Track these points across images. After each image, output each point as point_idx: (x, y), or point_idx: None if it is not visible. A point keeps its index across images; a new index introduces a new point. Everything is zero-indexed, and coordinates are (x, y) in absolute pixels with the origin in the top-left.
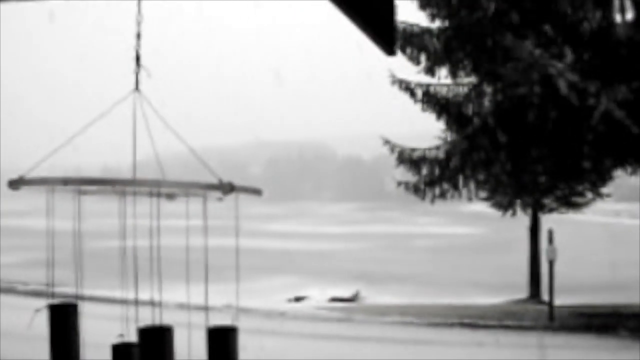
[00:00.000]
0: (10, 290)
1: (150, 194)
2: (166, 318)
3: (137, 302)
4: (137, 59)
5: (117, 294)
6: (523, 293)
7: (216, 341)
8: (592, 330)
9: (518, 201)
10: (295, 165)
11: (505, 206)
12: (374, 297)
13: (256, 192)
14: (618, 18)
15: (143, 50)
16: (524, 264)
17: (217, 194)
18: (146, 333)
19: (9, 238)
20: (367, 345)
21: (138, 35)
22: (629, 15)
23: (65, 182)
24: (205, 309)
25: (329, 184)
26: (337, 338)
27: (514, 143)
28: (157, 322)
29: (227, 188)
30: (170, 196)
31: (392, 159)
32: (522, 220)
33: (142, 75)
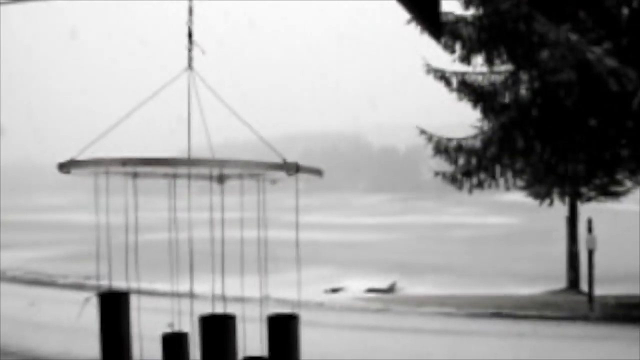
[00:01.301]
0: (50, 284)
1: (210, 177)
2: (206, 310)
3: (192, 295)
4: (190, 35)
5: (161, 286)
6: (561, 283)
7: (277, 329)
8: (633, 320)
9: (556, 190)
10: (331, 157)
11: (542, 195)
12: (410, 287)
13: (318, 172)
14: None
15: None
16: (561, 254)
17: (277, 175)
18: (208, 321)
19: (47, 232)
20: (405, 336)
21: (190, 11)
22: None
23: (125, 162)
24: (265, 299)
25: (364, 175)
26: (375, 329)
27: (552, 131)
28: (212, 311)
29: (293, 168)
30: (221, 179)
31: (427, 149)
32: (558, 209)
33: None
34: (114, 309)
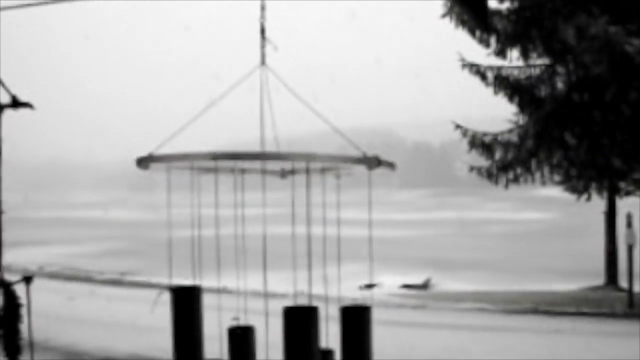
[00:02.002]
0: (88, 279)
1: (281, 174)
2: (253, 306)
3: (266, 294)
4: (262, 31)
5: (223, 282)
6: (599, 279)
7: (351, 320)
8: None
9: (593, 184)
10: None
11: (580, 190)
12: (445, 283)
13: (391, 166)
14: None
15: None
16: (599, 250)
17: (353, 168)
18: (292, 312)
19: (83, 229)
20: (441, 332)
21: (262, 7)
22: None
23: (215, 156)
24: (338, 290)
25: (398, 171)
26: (412, 325)
27: (589, 124)
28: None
29: (374, 162)
30: (284, 174)
31: (462, 144)
32: (596, 204)
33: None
34: (187, 303)
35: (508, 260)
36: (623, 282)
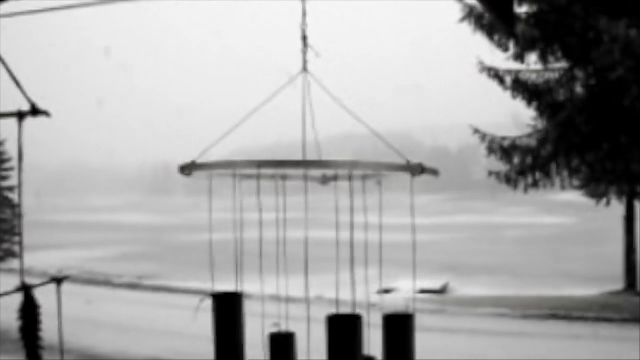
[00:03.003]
0: (106, 283)
1: (349, 177)
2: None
3: (307, 300)
4: (304, 38)
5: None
6: (619, 284)
7: (394, 328)
8: None
9: (612, 189)
10: (381, 157)
11: (599, 195)
12: (463, 288)
13: (435, 172)
14: None
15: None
16: (619, 255)
17: (402, 174)
18: (336, 320)
19: (102, 233)
20: (460, 337)
21: (304, 13)
22: None
23: (260, 164)
24: (367, 298)
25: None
26: (430, 330)
27: (609, 129)
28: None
29: (418, 169)
30: (325, 180)
31: (480, 148)
32: (615, 209)
33: (311, 55)
34: (229, 310)
35: (526, 265)
36: None
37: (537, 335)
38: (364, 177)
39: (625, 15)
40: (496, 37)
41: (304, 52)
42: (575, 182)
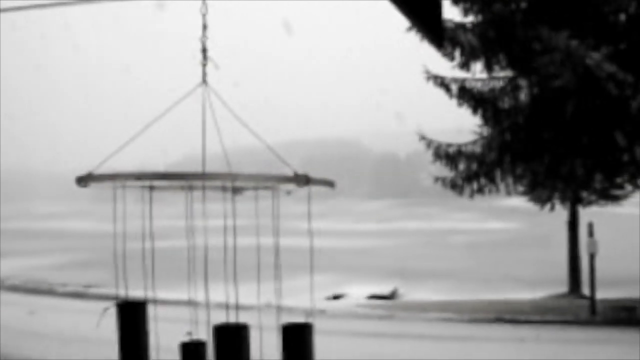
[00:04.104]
0: (50, 292)
1: (223, 189)
2: (213, 318)
3: (208, 304)
4: (204, 51)
5: (175, 294)
6: (563, 288)
7: (291, 338)
8: (635, 324)
9: (556, 195)
10: (330, 163)
11: (543, 200)
12: (412, 293)
13: (330, 184)
14: None
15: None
16: (563, 259)
17: (289, 187)
18: (222, 331)
19: (47, 240)
20: (407, 342)
21: (204, 27)
22: None
23: (139, 177)
24: (277, 307)
25: (365, 181)
26: (378, 335)
27: (552, 136)
28: (226, 320)
29: (303, 180)
30: (238, 190)
31: (428, 155)
32: (560, 214)
33: (210, 68)
34: (132, 318)
35: (473, 270)
36: (586, 290)
37: (483, 339)
38: (270, 188)
39: (567, 25)
40: (442, 46)
41: (204, 65)
42: (520, 188)
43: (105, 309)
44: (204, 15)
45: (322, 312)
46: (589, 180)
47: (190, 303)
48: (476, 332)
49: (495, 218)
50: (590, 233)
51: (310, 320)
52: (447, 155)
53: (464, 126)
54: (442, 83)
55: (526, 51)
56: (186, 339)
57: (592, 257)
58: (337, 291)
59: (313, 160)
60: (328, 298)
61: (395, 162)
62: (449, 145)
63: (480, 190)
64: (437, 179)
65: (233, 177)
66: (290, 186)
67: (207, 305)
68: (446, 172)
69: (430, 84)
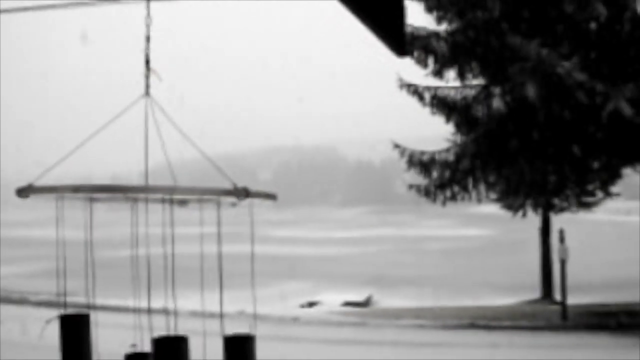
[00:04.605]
0: (22, 301)
1: (163, 201)
2: (180, 326)
3: (149, 311)
4: (147, 62)
5: (130, 302)
6: (536, 293)
7: (233, 350)
8: (606, 329)
9: (528, 202)
10: (306, 170)
11: (516, 207)
12: (386, 300)
13: (270, 197)
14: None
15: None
16: (535, 265)
17: (232, 199)
18: (161, 343)
19: (17, 248)
20: (381, 349)
21: (147, 38)
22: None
23: (76, 189)
24: (220, 317)
25: (340, 189)
26: (352, 342)
27: (524, 144)
28: (171, 330)
29: (242, 193)
30: (183, 203)
31: (402, 162)
32: (532, 220)
33: (153, 79)
34: (75, 331)
35: (448, 276)
36: (558, 296)
37: (456, 344)
38: (214, 201)
39: (539, 34)
40: (415, 54)
41: (147, 77)
42: (492, 195)
43: (48, 321)
44: (147, 26)
45: (296, 320)
46: (560, 188)
47: (136, 311)
48: (450, 338)
49: (469, 225)
50: (561, 239)
51: (253, 331)
52: (421, 162)
53: (438, 134)
54: (415, 91)
55: (498, 59)
56: (130, 350)
57: (563, 263)
58: (312, 298)
59: (288, 167)
60: (302, 305)
61: (370, 169)
62: (423, 153)
63: (453, 197)
64: (410, 187)
65: (172, 190)
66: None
67: (149, 314)
68: (420, 179)
69: (404, 92)
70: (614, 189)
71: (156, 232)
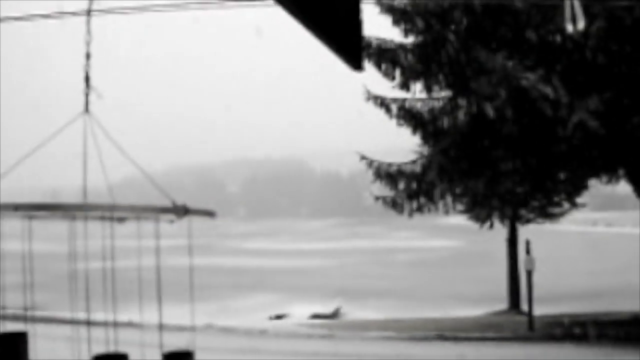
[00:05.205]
0: None
1: (102, 218)
2: (121, 338)
3: (89, 323)
4: (87, 79)
5: (72, 315)
6: (503, 304)
7: None
8: (572, 339)
9: (495, 213)
10: (274, 183)
11: (482, 218)
12: (354, 312)
13: (210, 214)
14: (569, 28)
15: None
16: (503, 276)
17: (170, 216)
18: None
19: None
20: None
21: (87, 55)
22: (580, 25)
23: (16, 207)
24: (159, 328)
25: (308, 201)
26: (319, 355)
27: (489, 156)
28: (111, 341)
29: (181, 211)
30: (122, 219)
31: (370, 174)
32: (500, 231)
33: (93, 97)
34: (12, 350)
35: (415, 288)
36: (525, 307)
37: (424, 356)
38: (152, 218)
39: (505, 47)
40: (383, 67)
41: (86, 94)
42: (459, 207)
43: None
44: (87, 44)
45: (264, 332)
46: (527, 199)
47: (76, 324)
48: (417, 350)
49: (437, 236)
50: (528, 250)
51: (191, 348)
52: (388, 174)
53: (406, 146)
54: (382, 103)
55: (465, 72)
56: None
57: (529, 274)
58: (280, 311)
59: (257, 179)
60: (270, 318)
61: (338, 181)
62: (390, 164)
63: (419, 209)
64: (377, 198)
65: (112, 208)
66: (172, 216)
67: (88, 328)
68: (387, 191)
69: (371, 104)
70: (580, 199)
71: (98, 246)
